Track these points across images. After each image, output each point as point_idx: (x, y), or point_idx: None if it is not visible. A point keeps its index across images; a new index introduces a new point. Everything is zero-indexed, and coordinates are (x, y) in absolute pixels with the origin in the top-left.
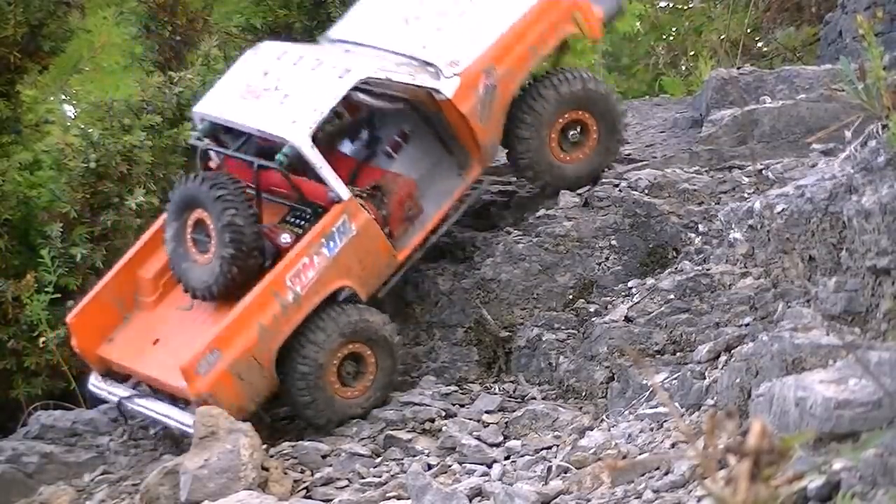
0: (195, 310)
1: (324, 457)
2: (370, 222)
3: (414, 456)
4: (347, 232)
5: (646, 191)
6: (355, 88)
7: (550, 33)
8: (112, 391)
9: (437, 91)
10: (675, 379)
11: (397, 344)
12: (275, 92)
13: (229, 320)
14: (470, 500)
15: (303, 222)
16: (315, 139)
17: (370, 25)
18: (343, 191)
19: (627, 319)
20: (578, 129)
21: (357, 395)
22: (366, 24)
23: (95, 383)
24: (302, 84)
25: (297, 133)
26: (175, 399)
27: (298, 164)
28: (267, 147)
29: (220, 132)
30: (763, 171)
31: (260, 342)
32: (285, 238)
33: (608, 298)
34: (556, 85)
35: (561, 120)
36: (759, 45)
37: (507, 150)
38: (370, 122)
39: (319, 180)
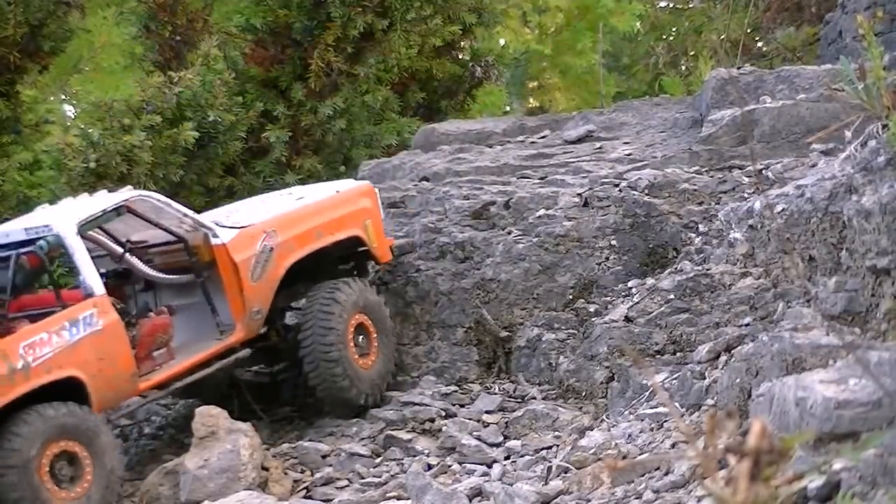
0: None
1: (324, 457)
2: (118, 324)
3: (414, 456)
4: (93, 325)
5: (646, 191)
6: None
7: (338, 226)
8: None
9: (214, 234)
10: (675, 379)
11: (111, 444)
12: (51, 209)
13: None
14: (470, 500)
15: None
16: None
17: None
18: (98, 285)
19: (627, 319)
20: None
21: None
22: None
23: None
24: (80, 202)
25: (63, 221)
26: None
27: (57, 257)
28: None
29: None
30: (763, 171)
31: None
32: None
33: (608, 298)
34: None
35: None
36: (759, 45)
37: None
38: (145, 290)
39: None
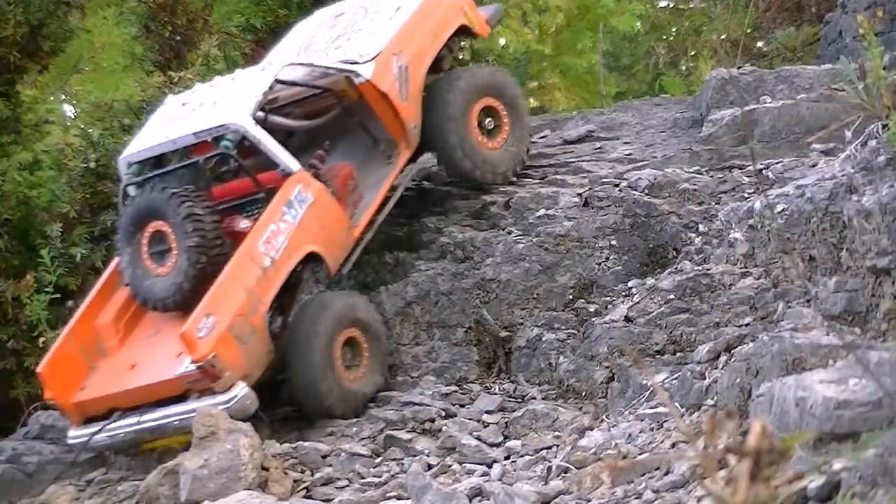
0: (162, 332)
1: (324, 457)
2: (324, 191)
3: (414, 456)
4: (305, 200)
5: (646, 191)
6: (280, 82)
7: (444, 24)
8: (108, 428)
9: (357, 74)
10: (675, 379)
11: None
12: (200, 107)
13: (215, 287)
14: (470, 500)
15: (259, 208)
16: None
17: (284, 54)
18: (293, 163)
19: (627, 319)
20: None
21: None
22: (280, 54)
23: (74, 434)
24: (226, 91)
25: (238, 114)
26: (165, 403)
27: (243, 151)
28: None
29: (147, 171)
30: (763, 171)
31: (249, 305)
32: (244, 224)
33: (608, 298)
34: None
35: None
36: (759, 45)
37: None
38: (292, 142)
39: (265, 167)
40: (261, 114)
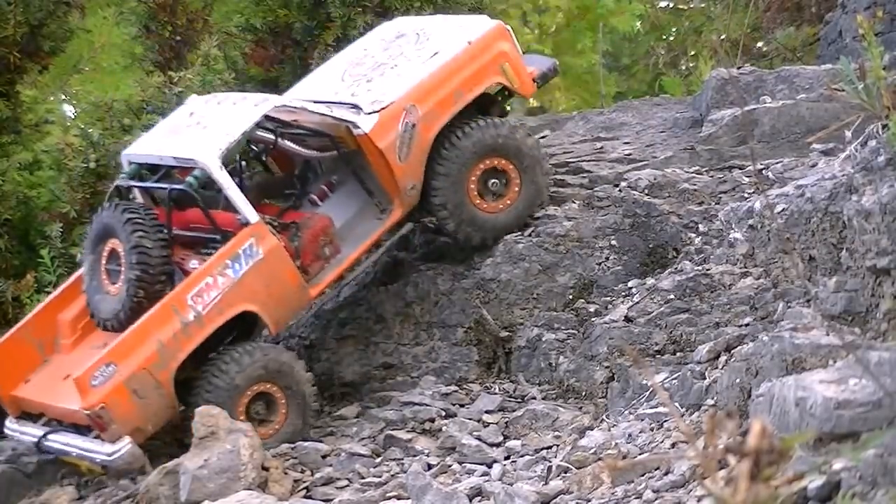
0: (106, 346)
1: (324, 457)
2: (278, 248)
3: (414, 456)
4: (254, 255)
5: (646, 191)
6: (275, 122)
7: (476, 80)
8: (27, 431)
9: (354, 125)
10: (675, 379)
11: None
12: (195, 126)
13: (126, 334)
14: (470, 500)
15: (214, 250)
16: (227, 165)
17: (311, 87)
18: (251, 214)
19: (627, 319)
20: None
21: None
22: (308, 87)
23: (10, 426)
24: (221, 116)
25: (207, 154)
26: (82, 430)
27: (210, 189)
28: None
29: (144, 173)
30: (763, 171)
31: (159, 359)
32: (194, 264)
33: (608, 298)
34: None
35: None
36: (759, 45)
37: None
38: (299, 176)
39: (230, 208)
40: (271, 137)
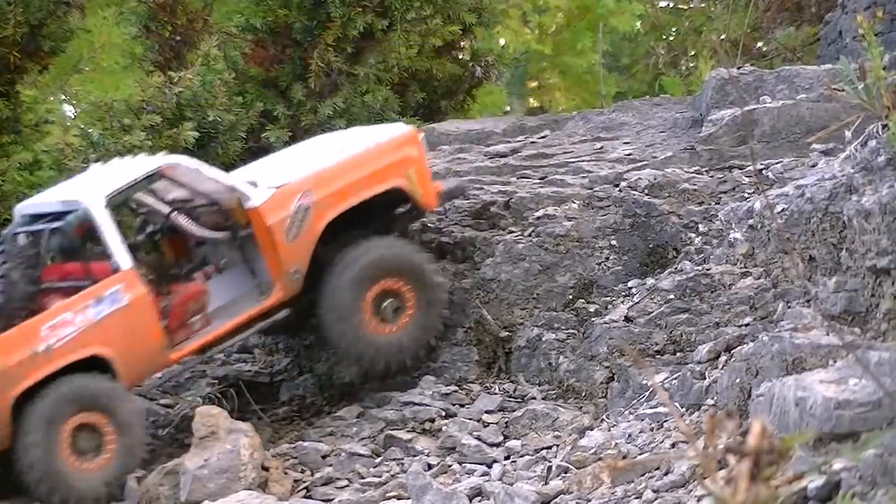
0: None
1: (324, 457)
2: (146, 299)
3: (414, 456)
4: (118, 301)
5: (646, 191)
6: (173, 202)
7: (378, 178)
8: None
9: (246, 197)
10: (675, 379)
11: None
12: (87, 176)
13: None
14: (470, 500)
15: None
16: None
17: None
18: (124, 260)
19: (627, 319)
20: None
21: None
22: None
23: None
24: (115, 169)
25: (90, 195)
26: None
27: (92, 240)
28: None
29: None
30: (763, 171)
31: None
32: (58, 303)
33: (608, 298)
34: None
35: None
36: (759, 45)
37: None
38: (188, 255)
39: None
40: (167, 209)
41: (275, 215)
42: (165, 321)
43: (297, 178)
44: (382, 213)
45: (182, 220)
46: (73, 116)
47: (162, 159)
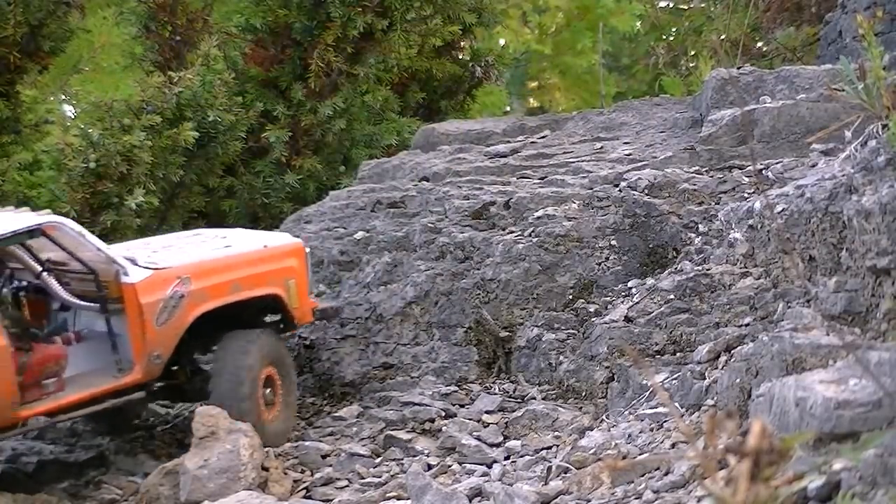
0: None
1: (324, 457)
2: (6, 350)
3: (414, 456)
4: None
5: (646, 191)
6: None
7: (257, 281)
8: None
9: (125, 272)
10: (675, 379)
11: None
12: None
13: None
14: (470, 500)
15: None
16: None
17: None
18: None
19: (627, 319)
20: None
21: None
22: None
23: None
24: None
25: None
26: None
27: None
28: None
29: None
30: (763, 171)
31: None
32: None
33: (608, 298)
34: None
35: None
36: (759, 45)
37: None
38: (52, 318)
39: None
40: (38, 268)
41: (150, 296)
42: (21, 378)
43: (178, 263)
44: (252, 316)
45: (51, 282)
46: (73, 116)
47: (46, 218)
